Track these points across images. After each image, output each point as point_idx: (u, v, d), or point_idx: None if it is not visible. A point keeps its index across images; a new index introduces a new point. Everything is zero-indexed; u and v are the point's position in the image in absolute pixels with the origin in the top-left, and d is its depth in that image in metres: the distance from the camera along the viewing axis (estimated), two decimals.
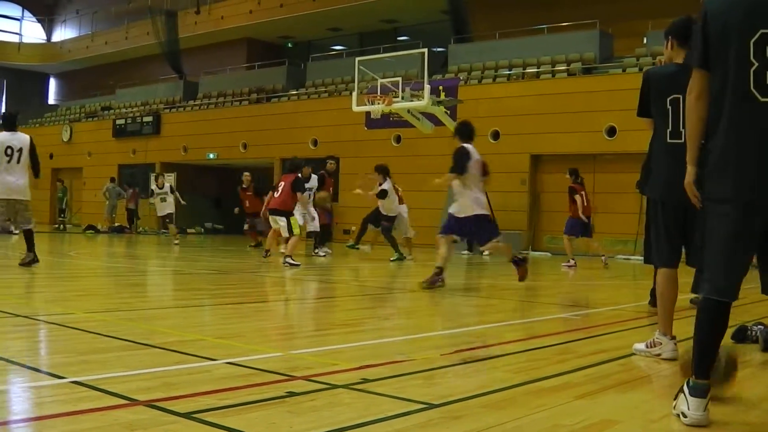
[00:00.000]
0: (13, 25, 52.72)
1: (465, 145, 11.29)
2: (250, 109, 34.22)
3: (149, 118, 37.55)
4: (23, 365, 4.91)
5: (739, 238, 3.69)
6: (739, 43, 3.67)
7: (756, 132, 3.63)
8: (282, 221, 15.24)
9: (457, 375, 4.97)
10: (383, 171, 18.00)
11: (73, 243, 21.78)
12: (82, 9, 50.00)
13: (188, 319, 7.78)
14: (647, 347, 5.72)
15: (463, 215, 11.06)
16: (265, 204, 16.56)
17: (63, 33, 52.21)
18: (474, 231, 11.49)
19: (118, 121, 39.24)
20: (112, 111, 42.59)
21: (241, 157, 32.87)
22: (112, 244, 23.74)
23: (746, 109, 3.65)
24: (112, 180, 33.22)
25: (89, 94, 47.15)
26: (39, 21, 53.09)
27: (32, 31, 53.29)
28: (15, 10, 52.88)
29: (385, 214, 18.03)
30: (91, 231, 30.15)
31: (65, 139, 41.20)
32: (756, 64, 3.64)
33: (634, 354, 5.78)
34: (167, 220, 24.13)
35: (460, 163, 11.03)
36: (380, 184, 17.83)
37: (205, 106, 37.32)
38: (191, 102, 38.85)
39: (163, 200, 24.00)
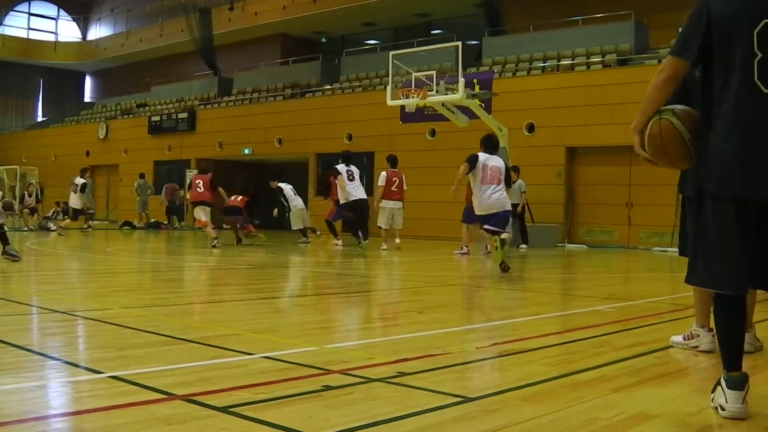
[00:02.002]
0: (49, 25, 53.14)
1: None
2: (284, 105, 34.26)
3: (184, 115, 37.69)
4: (62, 360, 4.96)
5: (738, 231, 3.66)
6: (742, 33, 3.63)
7: (760, 124, 3.59)
8: (202, 212, 18.90)
9: (493, 368, 4.96)
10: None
11: (110, 239, 21.92)
12: (117, 7, 50.31)
13: (224, 313, 7.81)
14: (684, 339, 5.68)
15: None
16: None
17: (98, 31, 52.55)
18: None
19: (153, 118, 39.43)
20: (147, 108, 42.82)
21: (276, 152, 32.92)
22: (148, 240, 23.89)
23: (750, 101, 3.60)
24: (142, 176, 33.36)
25: (125, 92, 47.46)
26: (74, 20, 53.46)
27: (68, 30, 53.69)
28: (51, 10, 53.30)
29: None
30: (127, 227, 30.33)
31: (101, 137, 41.48)
32: (759, 55, 3.60)
33: (671, 347, 5.74)
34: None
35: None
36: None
37: (240, 102, 37.41)
38: (226, 98, 38.96)
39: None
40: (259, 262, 15.24)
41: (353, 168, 18.57)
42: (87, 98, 54.30)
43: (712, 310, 4.25)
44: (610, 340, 6.10)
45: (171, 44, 44.10)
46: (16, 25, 51.43)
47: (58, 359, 5.01)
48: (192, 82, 41.76)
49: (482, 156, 12.31)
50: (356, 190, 18.16)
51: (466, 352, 5.37)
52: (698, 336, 5.59)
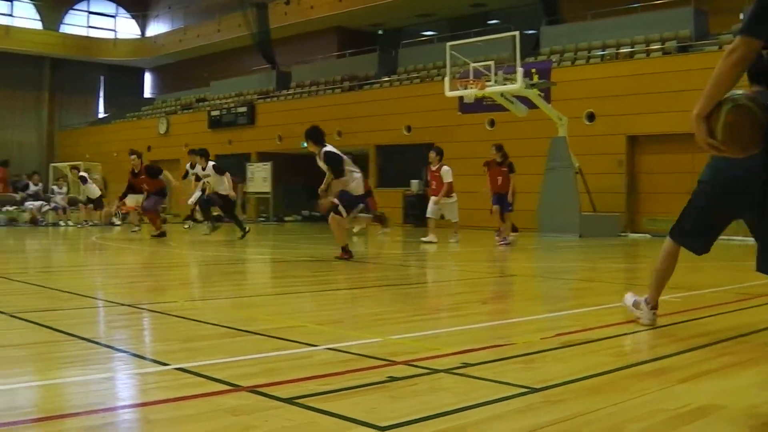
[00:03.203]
0: (108, 22, 53.82)
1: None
2: (342, 97, 34.33)
3: (243, 109, 37.97)
4: (129, 353, 5.02)
5: None
6: None
7: None
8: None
9: (556, 359, 4.92)
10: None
11: (173, 233, 22.12)
12: (174, 4, 50.83)
13: (287, 305, 7.85)
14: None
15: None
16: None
17: (156, 28, 53.12)
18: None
19: (213, 113, 39.76)
20: (206, 103, 43.18)
21: (336, 144, 32.75)
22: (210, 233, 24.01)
23: None
24: None
25: (184, 87, 47.91)
26: (133, 17, 54.10)
27: (127, 27, 54.34)
28: (110, 8, 53.97)
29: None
30: (189, 221, 30.54)
31: (162, 132, 41.92)
32: None
33: (736, 337, 5.67)
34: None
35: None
36: None
37: (298, 95, 37.58)
38: (284, 92, 39.16)
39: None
40: (321, 254, 15.29)
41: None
42: (147, 94, 54.90)
43: None
44: (674, 330, 6.04)
45: (228, 39, 44.46)
46: (76, 24, 52.16)
47: (124, 351, 5.07)
48: (250, 76, 42.08)
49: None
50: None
51: (530, 342, 5.34)
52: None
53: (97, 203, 27.14)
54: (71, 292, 8.15)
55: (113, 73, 53.17)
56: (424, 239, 17.97)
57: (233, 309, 7.18)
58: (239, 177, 33.37)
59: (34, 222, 26.14)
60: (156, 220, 19.28)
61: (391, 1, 35.56)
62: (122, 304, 7.27)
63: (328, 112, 33.16)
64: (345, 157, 13.44)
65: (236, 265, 12.69)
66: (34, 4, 49.96)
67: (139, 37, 53.99)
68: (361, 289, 9.88)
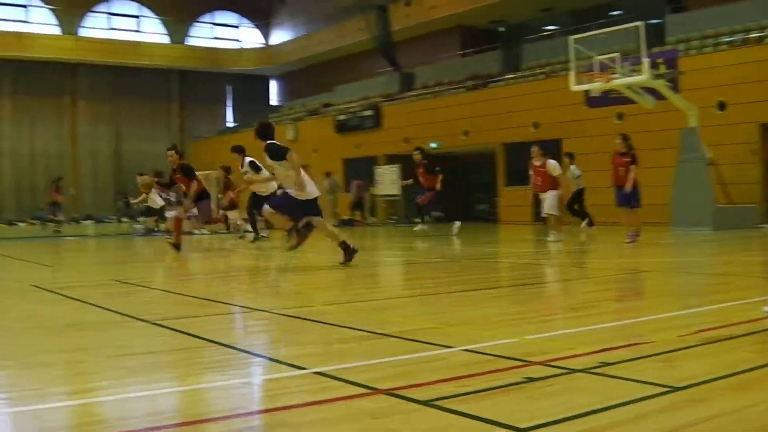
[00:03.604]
0: (232, 33, 54.93)
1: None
2: (467, 96, 34.20)
3: (369, 112, 38.21)
4: (266, 357, 5.12)
5: None
6: None
7: None
8: None
9: (698, 356, 4.81)
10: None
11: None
12: (296, 11, 51.57)
13: (422, 307, 7.87)
14: None
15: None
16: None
17: (279, 36, 53.92)
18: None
19: (339, 117, 40.14)
20: (332, 107, 43.61)
21: (463, 144, 32.92)
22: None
23: None
24: (328, 174, 33.96)
25: (309, 93, 48.46)
26: (256, 26, 55.04)
27: (250, 37, 55.34)
28: (233, 18, 55.05)
29: None
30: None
31: (290, 138, 42.49)
32: None
33: None
34: None
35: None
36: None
37: (423, 97, 37.64)
38: (409, 93, 39.28)
39: None
40: (451, 254, 15.28)
41: None
42: (273, 101, 55.77)
43: None
44: None
45: (351, 44, 44.86)
46: (201, 36, 53.41)
47: (262, 356, 5.18)
48: (374, 79, 42.34)
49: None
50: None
51: (669, 340, 5.23)
52: None
53: (159, 213, 27.09)
54: (209, 299, 8.35)
55: (239, 82, 54.22)
56: (550, 239, 17.71)
57: (368, 312, 7.23)
58: (366, 180, 33.67)
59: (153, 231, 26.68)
60: (179, 228, 16.83)
61: None
62: (258, 310, 7.41)
63: (454, 111, 33.12)
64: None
65: (368, 268, 12.77)
66: (161, 20, 51.34)
67: (263, 45, 54.90)
68: (493, 289, 9.84)
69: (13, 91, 46.97)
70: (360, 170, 36.25)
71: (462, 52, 39.07)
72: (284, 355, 5.33)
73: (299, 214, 12.23)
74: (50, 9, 48.04)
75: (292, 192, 11.85)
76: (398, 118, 36.59)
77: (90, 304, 8.08)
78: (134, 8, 51.12)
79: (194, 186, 16.42)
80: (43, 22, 48.02)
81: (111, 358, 5.12)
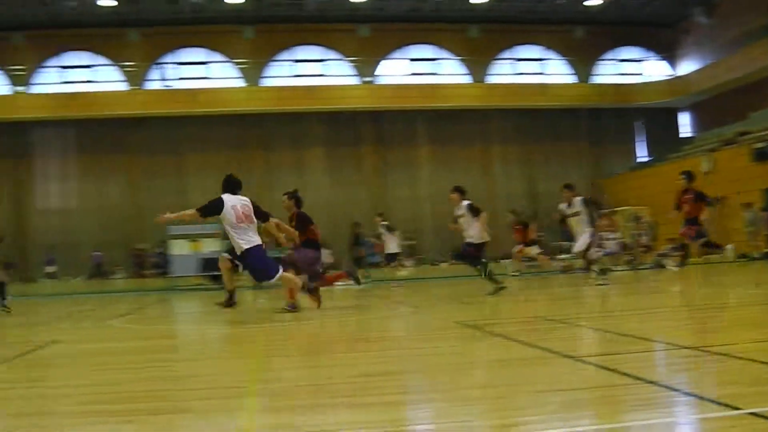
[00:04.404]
0: (635, 67, 54.34)
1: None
2: None
3: None
4: (694, 396, 4.97)
5: None
6: None
7: None
8: None
9: None
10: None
11: (727, 272, 21.59)
12: (701, 40, 50.15)
13: None
14: None
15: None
16: None
17: (686, 67, 52.57)
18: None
19: (756, 145, 38.25)
20: (748, 135, 41.67)
21: None
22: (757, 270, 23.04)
23: None
24: (747, 205, 32.43)
25: (720, 122, 46.68)
26: (663, 58, 54.07)
27: (655, 70, 54.43)
28: (637, 53, 54.47)
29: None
30: (744, 259, 29.61)
31: (705, 170, 41.07)
32: None
33: None
34: None
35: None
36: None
37: None
38: None
39: None
40: None
41: None
42: (683, 133, 54.36)
43: None
44: None
45: (761, 68, 42.77)
46: (604, 73, 53.34)
47: (690, 395, 5.03)
48: None
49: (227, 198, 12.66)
50: None
51: None
52: None
53: (390, 258, 26.42)
54: (632, 336, 8.25)
55: (647, 116, 53.42)
56: None
57: None
58: None
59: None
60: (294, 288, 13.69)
61: None
62: (684, 347, 7.23)
63: None
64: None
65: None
66: (568, 60, 51.96)
67: (669, 77, 53.75)
68: None
69: (429, 140, 49.50)
70: None
71: None
72: (715, 393, 5.14)
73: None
74: (460, 60, 50.36)
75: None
76: None
77: (514, 340, 8.29)
78: (537, 52, 52.20)
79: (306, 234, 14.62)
80: (453, 73, 50.42)
81: (536, 394, 5.22)
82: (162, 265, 39.46)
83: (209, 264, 27.68)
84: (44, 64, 47.70)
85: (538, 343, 7.70)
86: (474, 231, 16.23)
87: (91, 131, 46.43)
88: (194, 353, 9.35)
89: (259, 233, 13.00)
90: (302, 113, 47.07)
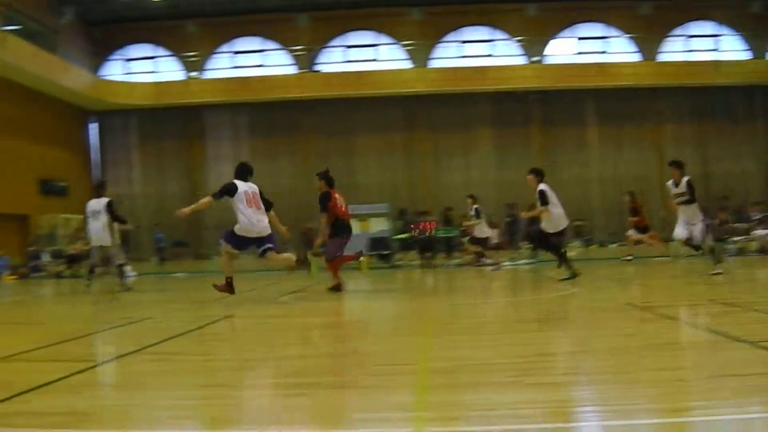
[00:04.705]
0: None
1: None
2: None
3: None
4: None
5: None
6: None
7: None
8: None
9: None
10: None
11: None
12: None
13: None
14: None
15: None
16: None
17: None
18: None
19: None
20: None
21: None
22: None
23: None
24: None
25: None
26: None
27: None
28: None
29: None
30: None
31: None
32: None
33: None
34: None
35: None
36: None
37: None
38: None
39: None
40: None
41: None
42: None
43: None
44: None
45: None
46: None
47: None
48: None
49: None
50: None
51: None
52: None
53: (479, 243, 24.83)
54: None
55: None
56: None
57: None
58: None
59: (763, 251, 26.07)
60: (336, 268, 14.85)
61: None
62: None
63: None
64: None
65: None
66: (742, 36, 50.09)
67: None
68: None
69: (598, 120, 48.66)
70: None
71: None
72: None
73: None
74: (630, 37, 49.22)
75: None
76: None
77: (686, 323, 8.16)
78: (710, 28, 50.50)
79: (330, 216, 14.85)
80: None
81: (710, 379, 5.13)
82: None
83: (378, 243, 28.04)
84: (216, 51, 49.26)
85: (712, 327, 7.55)
86: (548, 219, 15.66)
87: (261, 114, 47.72)
88: (363, 330, 9.55)
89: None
90: (470, 94, 46.94)
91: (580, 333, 8.18)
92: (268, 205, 13.71)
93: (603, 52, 49.56)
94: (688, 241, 15.83)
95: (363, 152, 47.36)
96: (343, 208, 14.89)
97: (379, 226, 30.56)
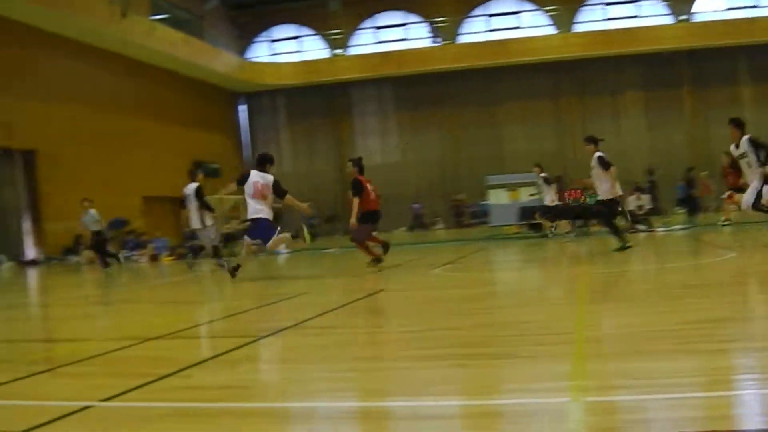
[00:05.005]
0: None
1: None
2: None
3: None
4: None
5: None
6: None
7: None
8: None
9: None
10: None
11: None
12: None
13: None
14: None
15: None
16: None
17: None
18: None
19: None
20: None
21: None
22: None
23: None
24: None
25: None
26: None
27: None
28: None
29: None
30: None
31: None
32: None
33: None
34: None
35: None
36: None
37: None
38: None
39: None
40: None
41: None
42: None
43: None
44: None
45: None
46: None
47: None
48: None
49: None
50: None
51: None
52: None
53: (545, 212, 24.14)
54: None
55: None
56: None
57: None
58: None
59: None
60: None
61: None
62: None
63: None
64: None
65: None
66: None
67: None
68: None
69: (751, 78, 46.81)
70: None
71: None
72: None
73: None
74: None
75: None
76: None
77: None
78: None
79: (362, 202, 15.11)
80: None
81: None
82: (480, 215, 39.95)
83: (528, 213, 27.77)
84: (359, 27, 49.60)
85: None
86: (604, 186, 15.10)
87: (406, 87, 47.97)
88: (518, 300, 9.46)
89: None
90: (618, 56, 46.05)
91: (740, 299, 7.89)
92: (282, 193, 14.17)
93: (754, 6, 47.43)
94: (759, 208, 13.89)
95: (508, 121, 47.14)
96: (372, 196, 15.20)
97: (528, 196, 30.20)
